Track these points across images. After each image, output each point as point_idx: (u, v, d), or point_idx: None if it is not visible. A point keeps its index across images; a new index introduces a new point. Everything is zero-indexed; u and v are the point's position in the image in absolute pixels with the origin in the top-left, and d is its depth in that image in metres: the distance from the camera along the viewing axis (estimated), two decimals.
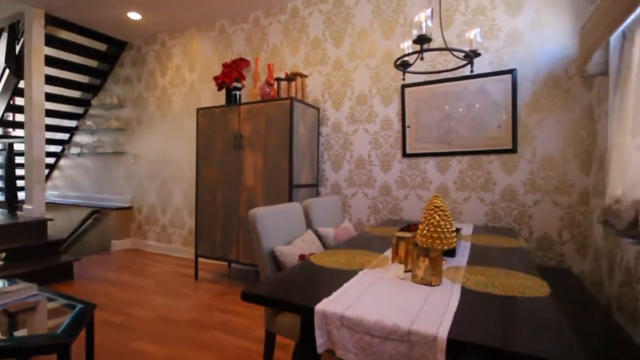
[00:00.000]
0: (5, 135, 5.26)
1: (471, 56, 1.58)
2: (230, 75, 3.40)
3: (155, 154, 4.49)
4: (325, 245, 1.97)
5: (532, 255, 2.54)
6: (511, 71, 2.58)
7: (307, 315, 0.94)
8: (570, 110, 2.45)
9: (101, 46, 4.64)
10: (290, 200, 2.85)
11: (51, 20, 3.87)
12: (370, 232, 2.11)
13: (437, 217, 1.33)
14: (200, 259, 3.89)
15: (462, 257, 1.45)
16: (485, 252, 1.55)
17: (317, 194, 3.33)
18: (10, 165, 3.90)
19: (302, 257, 1.56)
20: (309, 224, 2.04)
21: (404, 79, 2.05)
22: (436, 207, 1.35)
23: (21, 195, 4.11)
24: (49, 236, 3.54)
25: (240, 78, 3.46)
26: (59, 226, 5.01)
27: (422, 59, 1.50)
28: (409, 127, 2.94)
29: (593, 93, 2.38)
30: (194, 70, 4.16)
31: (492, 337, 0.75)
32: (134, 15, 3.85)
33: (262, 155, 3.01)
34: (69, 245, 4.94)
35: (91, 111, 5.11)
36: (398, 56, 2.92)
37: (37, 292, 1.72)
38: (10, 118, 5.61)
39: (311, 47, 3.40)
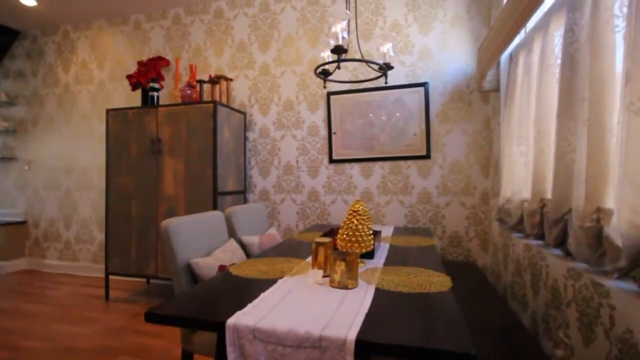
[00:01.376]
0: None
1: (384, 68, 1.68)
2: (147, 75, 3.14)
3: (55, 160, 3.93)
4: (249, 254, 1.91)
5: (444, 252, 2.79)
6: (424, 84, 2.83)
7: (221, 332, 0.88)
8: (472, 121, 2.76)
9: None
10: (215, 208, 2.71)
11: None
12: (296, 238, 2.11)
13: (355, 222, 1.37)
14: (112, 277, 3.49)
15: (380, 258, 1.52)
16: (402, 252, 1.65)
17: (245, 201, 3.23)
18: None
19: (221, 268, 1.49)
20: (232, 233, 1.96)
21: (325, 87, 2.10)
22: (354, 211, 1.39)
23: None
24: None
25: (159, 78, 3.21)
26: None
27: (339, 68, 1.55)
28: (334, 133, 3.03)
29: (489, 106, 2.72)
30: (104, 67, 3.76)
31: (395, 335, 0.79)
32: (28, 1, 3.34)
33: (183, 161, 2.82)
34: None
35: None
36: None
37: None
38: None
39: (237, 49, 3.31)
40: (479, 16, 2.74)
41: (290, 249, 1.77)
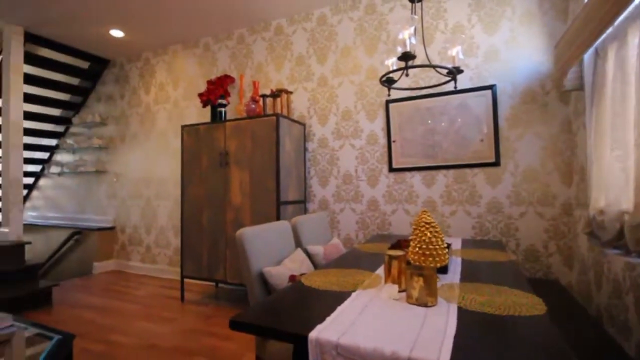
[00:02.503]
0: None
1: (454, 72, 1.61)
2: (215, 92, 3.38)
3: (138, 172, 4.39)
4: (315, 264, 1.93)
5: (521, 268, 2.56)
6: (491, 87, 2.66)
7: (300, 344, 0.90)
8: (548, 123, 2.53)
9: (83, 64, 4.56)
10: (277, 218, 2.81)
11: (31, 38, 3.79)
12: (359, 249, 2.09)
13: (428, 234, 1.32)
14: (186, 280, 3.77)
15: (455, 273, 1.45)
16: (476, 267, 1.55)
17: (305, 211, 3.30)
18: None
19: (292, 278, 1.53)
20: (298, 243, 2.01)
21: (389, 95, 2.08)
22: (427, 223, 1.34)
23: None
24: (27, 260, 3.37)
25: (225, 95, 3.44)
26: (38, 249, 4.79)
27: (407, 75, 1.52)
28: (394, 141, 2.97)
29: (570, 107, 2.47)
30: (178, 87, 4.13)
31: None
32: (117, 33, 3.81)
33: (248, 172, 2.97)
34: (48, 269, 4.72)
35: (72, 129, 4.98)
36: (382, 72, 2.99)
37: (12, 323, 1.62)
38: None
39: (296, 63, 3.43)
40: (553, 10, 2.52)
41: (356, 260, 1.76)
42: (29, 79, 3.98)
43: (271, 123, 2.88)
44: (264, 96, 3.12)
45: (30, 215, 5.34)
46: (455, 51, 1.67)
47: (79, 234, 4.50)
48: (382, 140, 3.05)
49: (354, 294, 1.19)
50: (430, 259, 1.29)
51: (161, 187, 4.21)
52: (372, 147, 3.09)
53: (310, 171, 3.34)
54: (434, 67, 1.58)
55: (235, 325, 1.01)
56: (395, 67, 1.78)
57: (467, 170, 2.75)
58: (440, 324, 0.92)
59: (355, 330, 0.90)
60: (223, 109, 3.28)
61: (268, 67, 3.57)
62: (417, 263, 1.31)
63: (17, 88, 3.61)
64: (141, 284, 3.86)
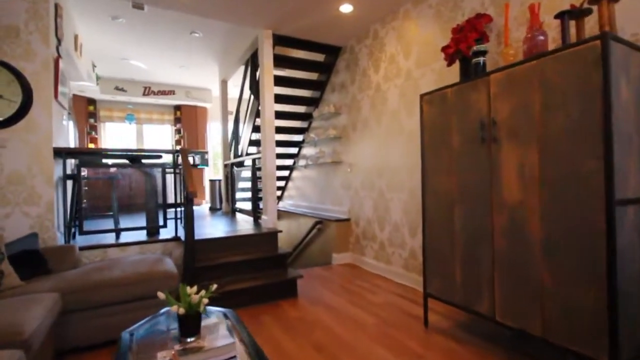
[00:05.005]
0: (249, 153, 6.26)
1: None
2: (467, 39, 2.35)
3: (369, 161, 4.00)
4: None
5: None
6: None
7: None
8: None
9: (319, 57, 4.65)
10: (609, 226, 1.48)
11: (277, 39, 4.07)
12: None
13: None
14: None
15: None
16: None
17: None
18: (254, 179, 4.34)
19: None
20: None
21: None
22: None
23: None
24: (279, 248, 3.59)
25: (483, 39, 2.34)
26: (292, 232, 5.41)
27: None
28: None
29: None
30: (410, 55, 3.37)
31: None
32: (346, 8, 3.47)
33: (535, 148, 1.78)
34: (296, 256, 5.22)
35: (313, 123, 5.29)
36: None
37: (235, 355, 1.27)
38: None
39: None
40: None
41: None
42: (278, 81, 4.35)
43: (588, 56, 1.56)
44: (566, 14, 1.80)
45: (288, 203, 6.18)
46: None
47: (320, 223, 4.65)
48: None
49: None
50: None
51: (394, 177, 3.61)
52: None
53: None
54: None
55: None
56: None
57: None
58: None
59: None
60: (481, 59, 2.20)
61: None
62: None
63: (269, 89, 3.92)
64: (376, 286, 3.41)
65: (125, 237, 3.33)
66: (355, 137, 4.27)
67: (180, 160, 3.24)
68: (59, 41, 3.14)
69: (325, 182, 4.98)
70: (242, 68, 5.27)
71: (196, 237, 3.11)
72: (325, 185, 4.98)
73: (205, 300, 1.43)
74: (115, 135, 7.65)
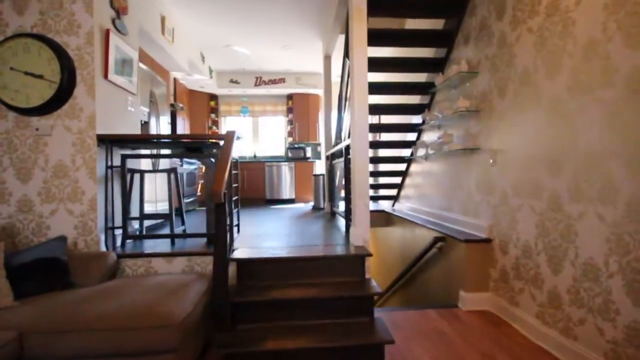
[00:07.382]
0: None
1: None
2: None
3: (530, 147, 2.30)
4: None
5: None
6: None
7: None
8: None
9: None
10: None
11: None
12: None
13: None
14: None
15: None
16: None
17: None
18: (347, 172, 3.21)
19: None
20: None
21: None
22: None
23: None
24: (368, 282, 2.36)
25: None
26: (406, 245, 4.04)
27: None
28: None
29: None
30: None
31: None
32: None
33: None
34: (406, 281, 3.82)
35: (437, 96, 3.76)
36: None
37: None
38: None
39: None
40: None
41: None
42: (382, 36, 3.06)
43: None
44: None
45: (405, 206, 4.79)
46: None
47: (442, 241, 3.14)
48: None
49: None
50: None
51: (588, 175, 1.84)
52: None
53: None
54: None
55: None
56: None
57: None
58: None
59: None
60: None
61: None
62: None
63: (359, 41, 2.67)
64: None
65: (181, 244, 2.74)
66: (503, 107, 2.59)
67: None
68: (118, 13, 2.74)
69: (453, 179, 3.41)
70: (343, 38, 4.18)
71: (249, 253, 2.23)
72: (453, 184, 3.41)
73: None
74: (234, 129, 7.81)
